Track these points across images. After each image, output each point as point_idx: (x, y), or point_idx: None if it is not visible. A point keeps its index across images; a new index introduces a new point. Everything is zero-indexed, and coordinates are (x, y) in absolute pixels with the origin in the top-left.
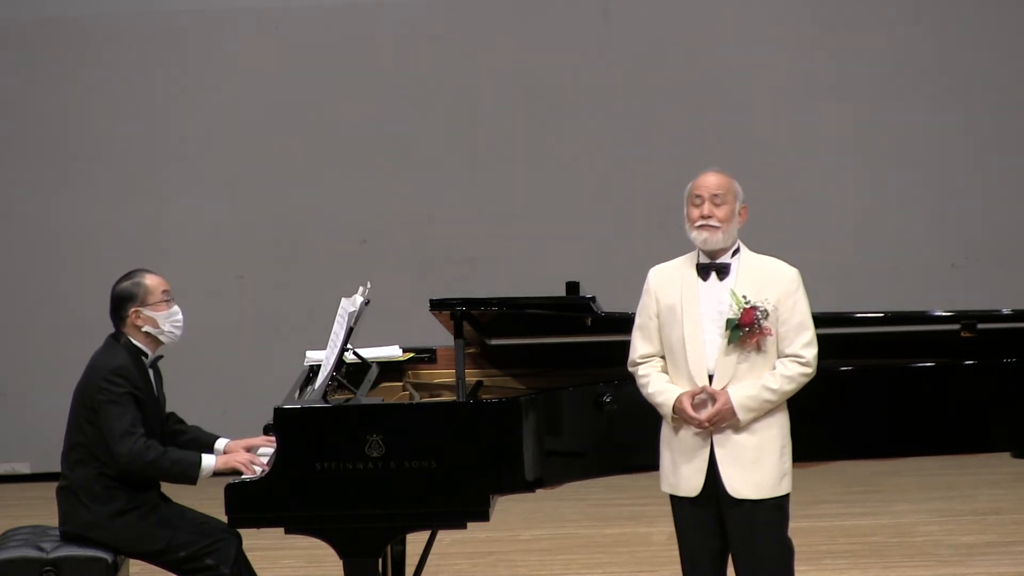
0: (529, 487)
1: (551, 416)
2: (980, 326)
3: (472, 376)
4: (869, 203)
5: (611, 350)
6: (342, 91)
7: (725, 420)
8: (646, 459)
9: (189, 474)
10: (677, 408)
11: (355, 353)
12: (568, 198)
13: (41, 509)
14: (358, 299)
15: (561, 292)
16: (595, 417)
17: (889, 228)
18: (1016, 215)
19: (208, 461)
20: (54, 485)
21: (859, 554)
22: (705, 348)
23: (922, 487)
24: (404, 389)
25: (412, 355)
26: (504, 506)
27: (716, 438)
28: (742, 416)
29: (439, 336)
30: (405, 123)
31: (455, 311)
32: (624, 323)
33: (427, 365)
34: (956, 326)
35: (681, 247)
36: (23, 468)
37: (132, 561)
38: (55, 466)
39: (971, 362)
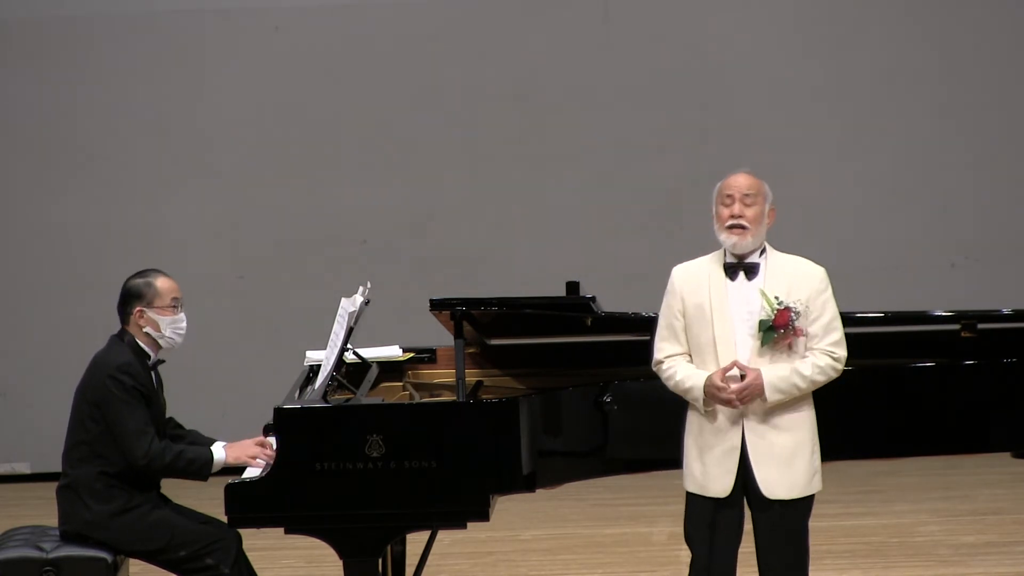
0: (529, 487)
1: (551, 416)
2: (980, 326)
3: (472, 376)
4: (869, 203)
5: (611, 350)
6: (342, 91)
7: (754, 396)
8: (647, 459)
9: (203, 472)
10: (708, 385)
11: (355, 353)
12: (568, 198)
13: (41, 509)
14: (358, 299)
15: (561, 292)
16: (595, 417)
17: (889, 228)
18: (1016, 215)
19: (219, 455)
20: (54, 485)
21: (859, 554)
22: (736, 349)
23: (922, 487)
24: (404, 389)
25: (412, 355)
26: (504, 506)
27: (748, 437)
28: (770, 396)
29: (439, 336)
30: (405, 123)
31: (455, 311)
32: (624, 323)
33: (427, 365)
34: (956, 326)
35: (683, 247)
36: (23, 468)
37: (132, 561)
38: (55, 466)
39: (971, 362)
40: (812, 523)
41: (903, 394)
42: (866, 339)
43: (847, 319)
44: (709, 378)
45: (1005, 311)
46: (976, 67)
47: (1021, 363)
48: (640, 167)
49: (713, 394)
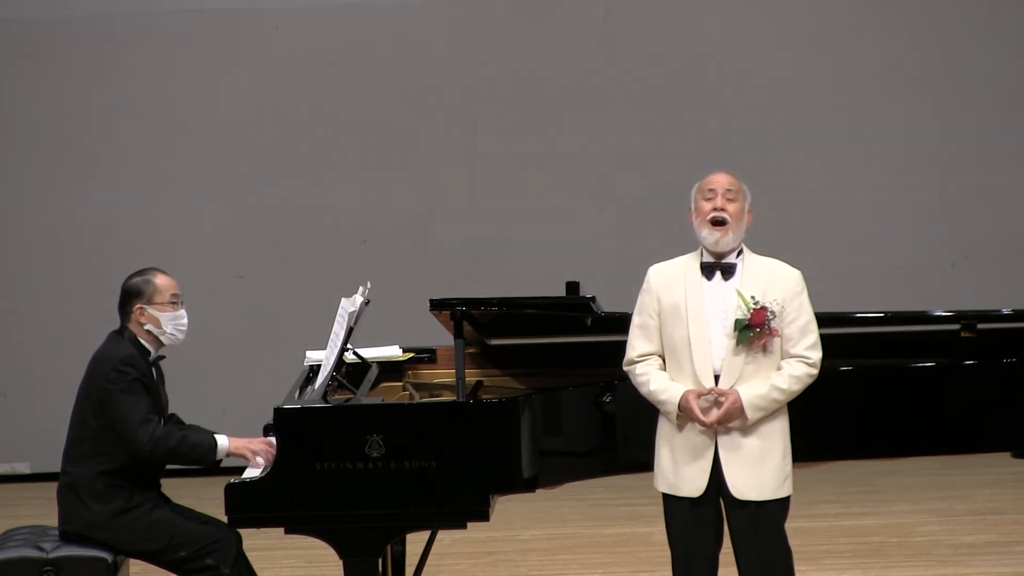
0: (529, 487)
1: (551, 416)
2: (980, 326)
3: (472, 376)
4: (869, 203)
5: (611, 350)
6: (342, 91)
7: (733, 419)
8: (646, 459)
9: (207, 458)
10: (683, 406)
11: (355, 353)
12: (568, 198)
13: (41, 509)
14: (358, 299)
15: (561, 292)
16: (595, 417)
17: (889, 228)
18: (1016, 215)
19: (223, 442)
20: (54, 485)
21: (859, 554)
22: (711, 348)
23: (922, 487)
24: (404, 389)
25: (412, 355)
26: (504, 506)
27: (720, 440)
28: (751, 415)
29: (439, 336)
30: (405, 123)
31: (455, 311)
32: (624, 323)
33: (427, 365)
34: (956, 326)
35: (682, 247)
36: (23, 468)
37: (132, 561)
38: (55, 466)
39: (971, 362)
40: (812, 523)
41: (903, 394)
42: (866, 339)
43: (848, 319)
44: (685, 398)
45: (1005, 311)
46: (976, 67)
47: (1021, 363)
48: (640, 167)
49: (689, 415)
